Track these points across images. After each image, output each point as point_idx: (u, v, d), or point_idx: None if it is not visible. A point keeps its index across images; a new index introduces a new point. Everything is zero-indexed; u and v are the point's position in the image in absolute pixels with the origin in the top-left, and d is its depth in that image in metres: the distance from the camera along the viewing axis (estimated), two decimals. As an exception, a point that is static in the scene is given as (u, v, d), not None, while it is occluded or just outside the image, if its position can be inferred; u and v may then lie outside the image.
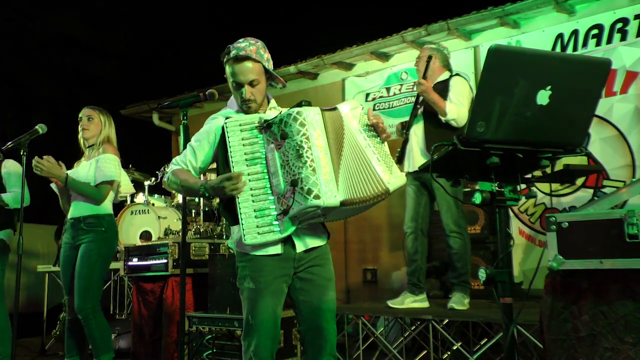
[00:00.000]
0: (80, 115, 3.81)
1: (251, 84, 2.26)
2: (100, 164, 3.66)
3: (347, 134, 2.17)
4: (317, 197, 2.01)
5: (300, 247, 2.22)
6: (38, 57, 14.50)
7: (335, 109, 2.22)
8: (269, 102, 2.40)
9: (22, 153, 3.56)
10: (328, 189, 2.04)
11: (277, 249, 2.19)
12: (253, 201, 2.12)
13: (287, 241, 2.20)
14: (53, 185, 3.78)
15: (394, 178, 2.18)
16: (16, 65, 14.35)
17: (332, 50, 6.64)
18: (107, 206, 3.73)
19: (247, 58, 2.22)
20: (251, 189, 2.13)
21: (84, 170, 3.68)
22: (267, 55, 2.31)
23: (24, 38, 14.13)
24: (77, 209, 3.68)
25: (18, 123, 15.14)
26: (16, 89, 14.84)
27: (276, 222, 2.11)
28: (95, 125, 3.78)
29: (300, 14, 15.32)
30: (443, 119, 3.69)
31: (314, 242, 2.27)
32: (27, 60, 14.43)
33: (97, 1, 14.15)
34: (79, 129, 3.81)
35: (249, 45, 2.25)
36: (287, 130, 2.09)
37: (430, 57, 3.84)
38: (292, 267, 2.24)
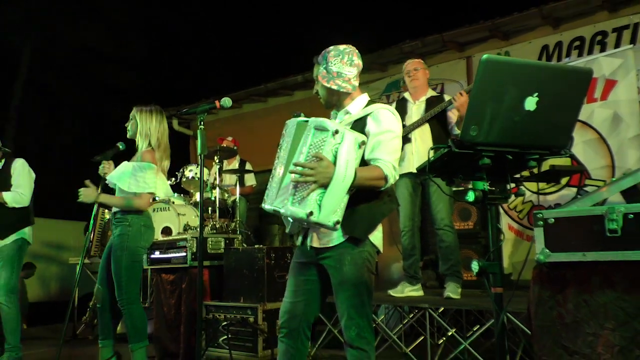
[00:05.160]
0: None
1: (315, 81, 2.36)
2: (136, 173, 3.47)
3: (298, 149, 2.11)
4: (264, 201, 2.16)
5: (307, 244, 2.26)
6: (68, 68, 14.55)
7: (306, 120, 2.14)
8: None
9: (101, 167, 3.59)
10: (271, 195, 2.15)
11: (298, 241, 2.32)
12: None
13: (304, 235, 2.28)
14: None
15: (274, 203, 2.11)
16: (48, 76, 14.42)
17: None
18: None
19: (315, 62, 2.35)
20: None
21: (120, 169, 3.52)
22: (330, 57, 2.27)
23: (55, 51, 14.19)
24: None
25: (49, 129, 15.25)
26: (47, 97, 14.91)
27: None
28: (132, 125, 3.59)
29: (306, 27, 15.33)
30: (458, 131, 3.69)
31: (321, 241, 2.21)
32: (57, 71, 14.50)
33: (121, 16, 14.16)
34: None
35: (324, 50, 2.32)
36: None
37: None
38: (312, 258, 2.26)
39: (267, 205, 2.15)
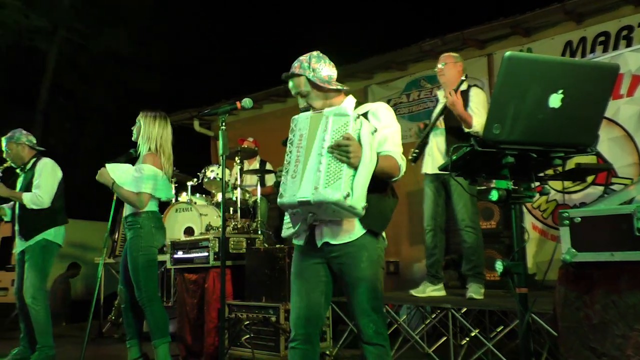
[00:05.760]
0: None
1: (301, 95, 2.32)
2: (135, 173, 3.61)
3: (317, 137, 2.05)
4: (281, 196, 2.06)
5: (318, 241, 2.20)
6: (92, 72, 14.82)
7: (320, 112, 2.12)
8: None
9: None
10: (290, 188, 2.03)
11: (301, 241, 2.27)
12: None
13: (311, 234, 2.22)
14: None
15: (299, 194, 1.99)
16: (73, 80, 14.71)
17: (355, 61, 6.63)
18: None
19: (290, 77, 2.31)
20: None
21: (122, 168, 3.67)
22: (313, 65, 2.29)
23: (80, 56, 14.47)
24: (124, 210, 3.73)
25: (75, 131, 15.55)
26: (72, 101, 15.21)
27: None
28: (136, 128, 3.73)
29: (325, 27, 15.34)
30: (467, 130, 3.62)
31: (335, 239, 2.17)
32: (82, 75, 14.78)
33: (143, 21, 14.36)
34: None
35: (296, 63, 2.31)
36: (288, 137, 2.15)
37: (466, 76, 3.79)
38: (322, 257, 2.22)
39: (286, 200, 2.04)
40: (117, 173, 3.65)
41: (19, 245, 4.16)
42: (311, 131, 2.07)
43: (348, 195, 1.92)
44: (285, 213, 2.26)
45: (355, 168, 1.97)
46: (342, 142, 1.95)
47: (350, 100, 2.36)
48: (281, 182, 2.09)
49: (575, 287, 1.93)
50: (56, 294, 7.67)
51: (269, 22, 16.96)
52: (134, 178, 3.61)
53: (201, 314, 4.30)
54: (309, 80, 2.28)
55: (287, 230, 2.25)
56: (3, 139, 4.29)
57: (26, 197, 4.08)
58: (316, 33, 14.72)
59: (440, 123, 3.84)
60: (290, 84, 2.33)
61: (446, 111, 3.77)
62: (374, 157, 2.03)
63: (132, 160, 3.82)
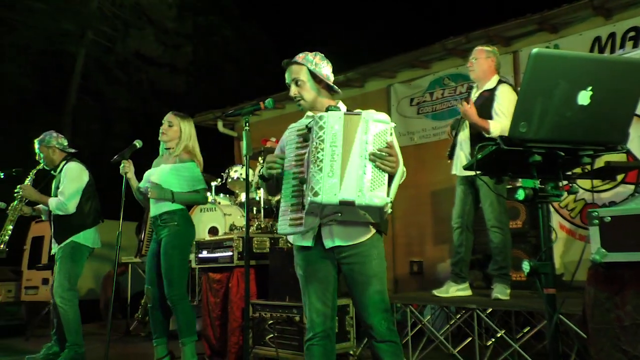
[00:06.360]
0: (163, 120, 3.78)
1: (296, 83, 2.37)
2: (184, 173, 3.65)
3: (357, 139, 2.05)
4: (316, 194, 2.01)
5: (328, 243, 2.20)
6: (119, 74, 15.11)
7: (358, 113, 2.10)
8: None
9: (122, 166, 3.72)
10: (329, 187, 2.00)
11: (308, 242, 2.25)
12: (292, 197, 2.18)
13: (319, 235, 2.22)
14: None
15: (344, 195, 1.99)
16: (100, 81, 15.02)
17: (379, 59, 6.60)
18: None
19: (292, 63, 2.39)
20: (292, 186, 2.18)
21: (162, 173, 3.66)
22: (316, 60, 2.38)
23: (107, 58, 14.77)
24: (155, 208, 3.69)
25: (102, 133, 15.86)
26: (100, 102, 15.53)
27: (302, 218, 2.15)
28: (173, 132, 3.72)
29: (349, 26, 15.32)
30: (487, 135, 3.54)
31: (347, 240, 2.19)
32: (109, 77, 15.08)
33: (168, 23, 14.58)
34: (160, 132, 3.77)
35: (300, 54, 2.41)
36: (312, 134, 2.13)
37: (470, 88, 3.78)
38: (332, 258, 2.24)
39: (325, 199, 1.99)
40: (162, 179, 3.63)
41: (54, 248, 4.26)
42: (347, 131, 2.07)
43: (391, 201, 2.02)
44: (281, 210, 2.23)
45: (392, 175, 2.06)
46: (388, 151, 2.02)
47: (342, 105, 2.42)
48: (313, 179, 2.03)
49: (605, 288, 1.88)
50: (103, 292, 7.82)
51: (290, 21, 17.02)
52: (185, 178, 3.66)
53: (225, 313, 4.33)
54: (309, 71, 2.36)
55: (289, 228, 2.19)
56: (36, 141, 4.37)
57: (52, 203, 4.12)
58: (336, 33, 14.72)
59: (466, 124, 3.79)
60: (287, 72, 2.40)
61: (487, 108, 3.68)
62: (402, 165, 2.14)
63: (139, 152, 3.80)
